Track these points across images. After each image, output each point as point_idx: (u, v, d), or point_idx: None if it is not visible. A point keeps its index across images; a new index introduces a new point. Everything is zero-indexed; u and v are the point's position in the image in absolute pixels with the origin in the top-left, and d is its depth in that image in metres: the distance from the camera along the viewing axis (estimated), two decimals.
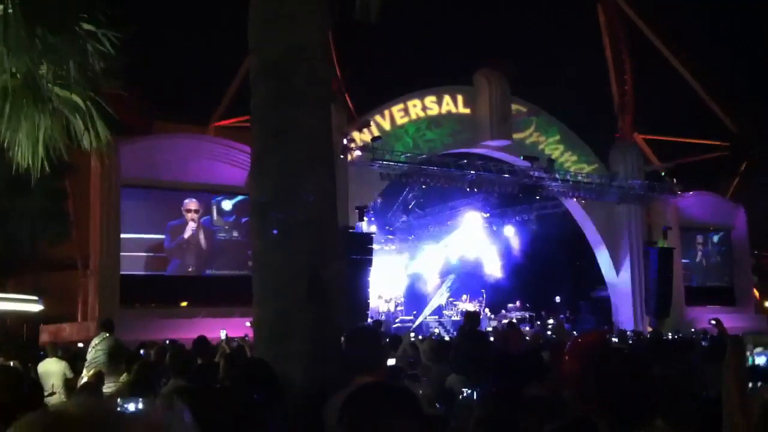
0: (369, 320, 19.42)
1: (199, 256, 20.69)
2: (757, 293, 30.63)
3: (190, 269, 20.59)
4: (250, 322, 9.25)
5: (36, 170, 6.66)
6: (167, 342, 11.05)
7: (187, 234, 20.50)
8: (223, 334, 13.52)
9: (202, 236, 20.74)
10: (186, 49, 23.16)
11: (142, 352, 10.18)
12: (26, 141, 6.56)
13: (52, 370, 10.03)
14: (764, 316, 29.07)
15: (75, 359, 10.52)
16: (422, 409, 2.03)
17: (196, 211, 20.54)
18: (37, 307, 16.95)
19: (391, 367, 6.15)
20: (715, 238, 30.66)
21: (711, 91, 28.53)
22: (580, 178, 25.18)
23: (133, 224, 19.62)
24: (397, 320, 22.59)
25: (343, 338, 4.45)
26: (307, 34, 5.62)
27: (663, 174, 27.22)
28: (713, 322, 20.00)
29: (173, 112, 21.91)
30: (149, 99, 19.87)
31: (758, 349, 8.15)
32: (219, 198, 20.89)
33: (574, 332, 20.61)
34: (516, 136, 24.08)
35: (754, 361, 7.51)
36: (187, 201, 20.50)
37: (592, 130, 26.87)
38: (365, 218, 20.99)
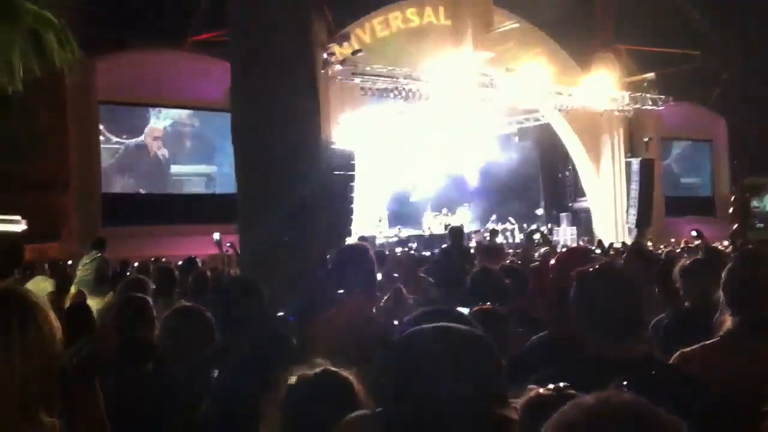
0: (354, 235, 19.46)
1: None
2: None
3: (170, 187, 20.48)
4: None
5: (15, 87, 6.54)
6: (152, 261, 11.08)
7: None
8: (216, 236, 13.46)
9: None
10: None
11: (128, 272, 10.20)
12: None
13: (41, 287, 10.05)
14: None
15: (61, 277, 10.52)
16: (354, 398, 2.11)
17: (155, 138, 20.29)
18: (20, 227, 16.83)
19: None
20: (696, 149, 30.80)
21: (693, 1, 28.18)
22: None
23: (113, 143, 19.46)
24: (381, 235, 22.67)
25: (330, 257, 4.43)
26: None
27: (645, 84, 27.07)
28: (694, 233, 20.32)
29: (147, 29, 21.30)
30: (120, 15, 19.34)
31: None
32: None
33: (557, 243, 20.91)
34: (498, 47, 23.73)
35: None
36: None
37: (574, 41, 26.56)
38: (347, 133, 20.81)
